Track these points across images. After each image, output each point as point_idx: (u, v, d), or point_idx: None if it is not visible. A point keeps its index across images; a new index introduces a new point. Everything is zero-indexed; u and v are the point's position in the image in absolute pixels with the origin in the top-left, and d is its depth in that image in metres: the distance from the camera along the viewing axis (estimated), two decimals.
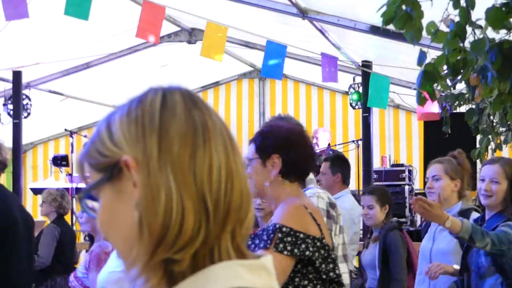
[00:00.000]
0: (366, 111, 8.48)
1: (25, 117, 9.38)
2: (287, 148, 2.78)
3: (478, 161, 6.05)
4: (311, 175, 3.34)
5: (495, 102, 3.59)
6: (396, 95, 9.80)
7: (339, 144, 10.50)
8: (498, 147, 6.10)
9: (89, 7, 5.98)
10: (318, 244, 2.63)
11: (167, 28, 8.60)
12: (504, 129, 5.91)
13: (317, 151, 9.35)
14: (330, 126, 11.49)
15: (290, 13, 6.95)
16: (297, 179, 2.81)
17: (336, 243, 3.20)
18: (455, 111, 6.60)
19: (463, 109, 6.26)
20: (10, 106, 9.34)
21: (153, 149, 1.05)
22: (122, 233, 1.07)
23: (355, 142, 9.66)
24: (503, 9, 3.06)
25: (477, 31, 3.17)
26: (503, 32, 3.24)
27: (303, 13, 6.86)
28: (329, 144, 9.58)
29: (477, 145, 6.02)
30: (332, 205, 3.25)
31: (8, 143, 9.53)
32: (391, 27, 3.27)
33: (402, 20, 3.18)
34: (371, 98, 7.87)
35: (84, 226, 4.95)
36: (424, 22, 3.25)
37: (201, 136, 1.06)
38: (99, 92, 10.56)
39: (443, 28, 3.26)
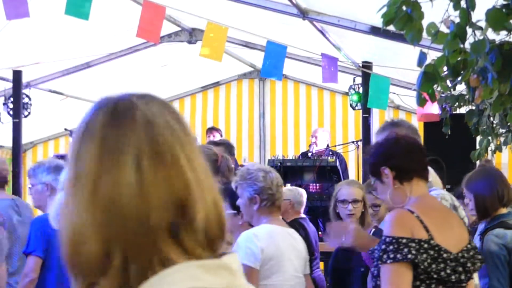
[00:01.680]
0: (366, 112, 8.48)
1: (25, 117, 9.37)
2: (390, 158, 2.99)
3: (478, 162, 6.05)
4: (432, 177, 3.39)
5: (495, 104, 3.59)
6: (396, 96, 9.79)
7: (339, 145, 10.50)
8: (498, 148, 6.10)
9: (90, 7, 5.98)
10: (425, 246, 2.75)
11: (167, 28, 8.60)
12: (504, 130, 5.90)
13: (316, 151, 9.36)
14: (330, 127, 11.48)
15: (291, 13, 6.95)
16: (410, 178, 2.96)
17: None
18: (455, 112, 6.60)
19: (463, 110, 6.26)
20: (10, 105, 9.34)
21: (70, 173, 1.05)
22: None
23: (355, 143, 9.66)
24: (504, 10, 3.05)
25: (478, 32, 3.17)
26: (503, 33, 3.23)
27: (303, 14, 6.85)
28: (328, 145, 9.59)
29: (477, 146, 6.02)
30: (455, 207, 3.30)
31: (8, 142, 9.54)
32: (391, 28, 3.27)
33: (402, 21, 3.18)
34: (371, 99, 7.87)
35: None
36: (425, 23, 3.24)
37: (108, 155, 1.04)
38: (99, 91, 10.55)
39: (444, 29, 3.26)
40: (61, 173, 4.50)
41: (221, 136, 9.49)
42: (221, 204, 1.11)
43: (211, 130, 9.64)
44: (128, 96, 1.13)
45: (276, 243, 3.97)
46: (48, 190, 4.53)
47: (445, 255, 2.77)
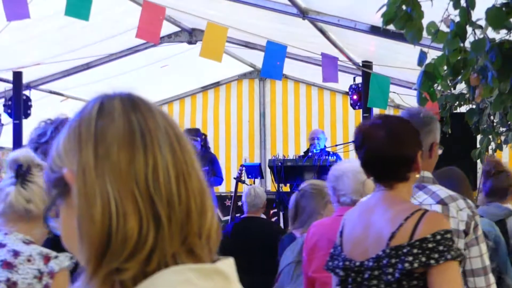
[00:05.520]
0: (367, 111, 8.48)
1: (26, 118, 9.37)
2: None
3: (478, 161, 6.05)
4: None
5: (495, 102, 3.59)
6: (396, 95, 9.79)
7: (339, 145, 10.50)
8: (499, 147, 6.10)
9: (90, 7, 5.99)
10: None
11: (167, 28, 8.60)
12: (504, 129, 5.90)
13: (318, 152, 9.36)
14: (330, 127, 11.49)
15: (290, 13, 6.94)
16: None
17: None
18: (455, 111, 6.60)
19: (463, 109, 6.26)
20: (11, 107, 9.33)
21: (89, 158, 1.03)
22: (78, 247, 1.05)
23: None
24: (504, 9, 3.05)
25: (478, 31, 3.17)
26: (503, 32, 3.23)
27: (303, 13, 6.85)
28: (325, 146, 9.60)
29: (478, 145, 6.02)
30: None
31: (8, 143, 9.54)
32: (391, 27, 3.27)
33: (402, 20, 3.18)
34: (371, 98, 7.87)
35: None
36: (425, 22, 3.24)
37: (139, 139, 1.03)
38: (99, 92, 10.56)
39: (444, 28, 3.26)
40: None
41: (199, 138, 9.35)
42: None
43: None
44: (131, 92, 1.15)
45: None
46: None
47: None
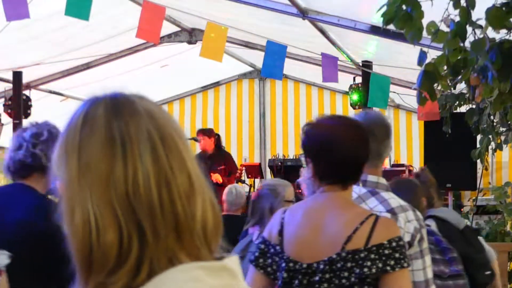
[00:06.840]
0: None
1: (25, 118, 9.37)
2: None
3: (478, 161, 6.05)
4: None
5: (496, 102, 3.59)
6: (396, 95, 9.79)
7: None
8: (499, 147, 6.10)
9: (90, 7, 5.99)
10: None
11: (167, 28, 8.60)
12: (504, 129, 5.90)
13: None
14: None
15: (290, 13, 6.94)
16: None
17: None
18: (455, 111, 6.60)
19: (463, 109, 6.26)
20: (11, 107, 9.33)
21: (73, 170, 1.03)
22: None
23: None
24: (503, 9, 3.06)
25: (478, 31, 3.17)
26: (503, 32, 3.24)
27: (303, 13, 6.85)
28: None
29: (477, 145, 6.02)
30: None
31: (9, 143, 9.53)
32: (391, 27, 3.27)
33: (402, 20, 3.18)
34: (371, 98, 7.87)
35: None
36: (424, 22, 3.25)
37: (119, 148, 1.03)
38: (99, 92, 10.54)
39: (444, 28, 3.26)
40: None
41: (208, 137, 9.38)
42: (217, 205, 1.10)
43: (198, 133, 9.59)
44: (121, 93, 1.13)
45: None
46: None
47: None
